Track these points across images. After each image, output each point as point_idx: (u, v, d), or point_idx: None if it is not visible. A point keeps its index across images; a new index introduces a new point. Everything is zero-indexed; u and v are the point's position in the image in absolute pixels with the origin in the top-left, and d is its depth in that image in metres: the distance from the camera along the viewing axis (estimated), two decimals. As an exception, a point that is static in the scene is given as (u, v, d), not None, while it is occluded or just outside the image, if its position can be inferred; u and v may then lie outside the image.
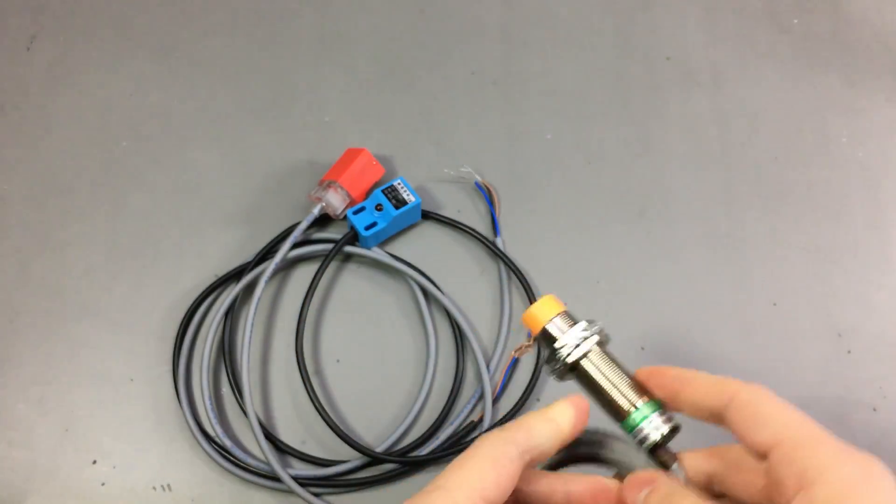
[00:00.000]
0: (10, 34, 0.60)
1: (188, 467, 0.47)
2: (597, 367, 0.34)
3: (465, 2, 0.61)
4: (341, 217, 0.51)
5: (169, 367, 0.50)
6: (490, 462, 0.28)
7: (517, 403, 0.49)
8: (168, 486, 0.47)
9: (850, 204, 0.55)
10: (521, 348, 0.51)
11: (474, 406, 0.49)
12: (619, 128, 0.57)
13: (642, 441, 0.33)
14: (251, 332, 0.48)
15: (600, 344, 0.35)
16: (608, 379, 0.34)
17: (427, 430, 0.48)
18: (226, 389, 0.49)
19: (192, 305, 0.51)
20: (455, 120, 0.57)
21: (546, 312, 0.37)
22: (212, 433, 0.47)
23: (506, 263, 0.52)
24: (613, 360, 0.34)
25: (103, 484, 0.47)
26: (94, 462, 0.48)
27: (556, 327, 0.36)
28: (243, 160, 0.56)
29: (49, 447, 0.48)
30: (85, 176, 0.55)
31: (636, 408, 0.33)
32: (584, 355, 0.34)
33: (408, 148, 0.56)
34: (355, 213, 0.49)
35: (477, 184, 0.54)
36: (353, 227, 0.49)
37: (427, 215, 0.53)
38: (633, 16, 0.61)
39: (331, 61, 0.59)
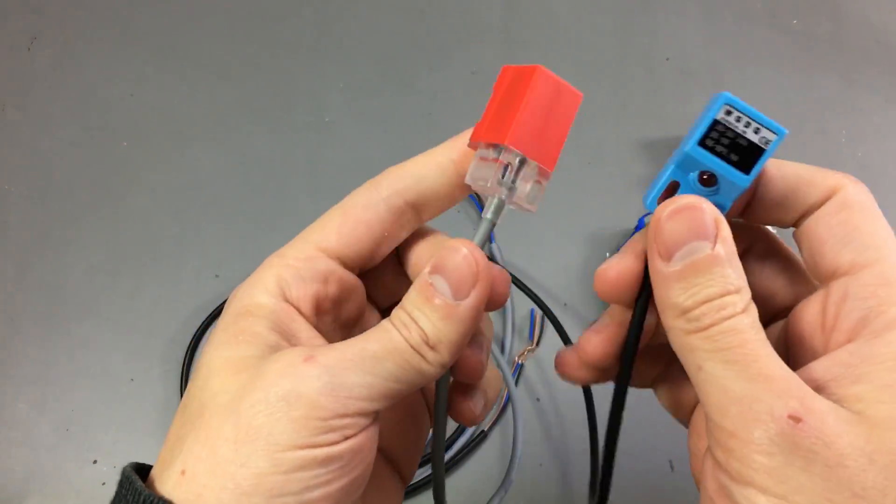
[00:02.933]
0: (10, 35, 0.60)
1: (188, 467, 0.47)
2: None
3: (465, 2, 0.61)
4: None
5: (169, 366, 0.50)
6: (338, 211, 0.24)
7: (517, 403, 0.49)
8: (168, 485, 0.47)
9: (849, 204, 0.55)
10: (523, 353, 0.51)
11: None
12: (619, 128, 0.57)
13: None
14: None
15: None
16: None
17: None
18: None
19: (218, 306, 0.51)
20: (455, 120, 0.57)
21: None
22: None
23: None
24: None
25: (104, 484, 0.47)
26: (95, 462, 0.48)
27: None
28: (243, 160, 0.56)
29: (49, 447, 0.48)
30: (85, 176, 0.56)
31: None
32: None
33: (408, 148, 0.56)
34: (662, 197, 0.24)
35: None
36: None
37: None
38: (632, 16, 0.61)
39: (331, 61, 0.59)
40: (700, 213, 0.22)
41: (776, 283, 0.25)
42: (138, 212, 0.54)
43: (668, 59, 0.59)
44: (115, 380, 0.50)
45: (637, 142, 0.57)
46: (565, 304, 0.52)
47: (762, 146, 0.23)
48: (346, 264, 0.25)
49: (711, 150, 0.23)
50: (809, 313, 0.23)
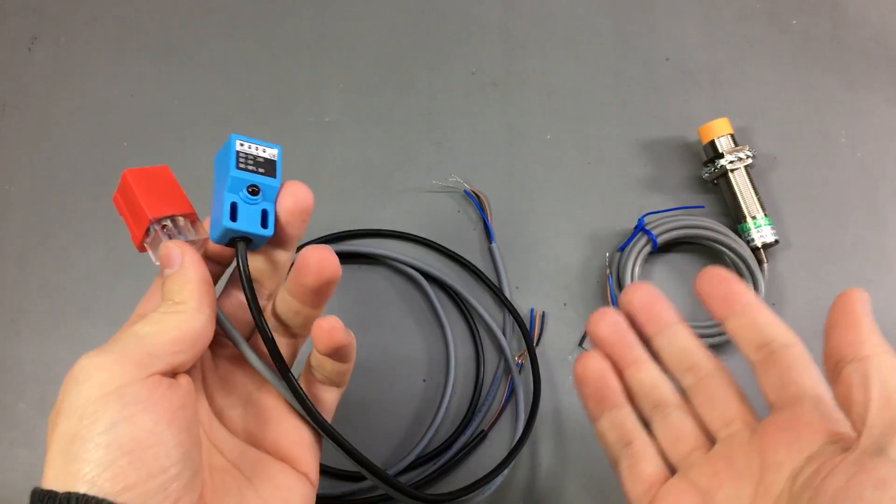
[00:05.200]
0: (11, 35, 0.60)
1: (189, 467, 0.47)
2: (740, 180, 0.52)
3: (465, 2, 0.61)
4: (204, 241, 0.33)
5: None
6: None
7: (532, 406, 0.49)
8: (169, 485, 0.47)
9: (848, 204, 0.55)
10: (522, 354, 0.51)
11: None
12: (619, 128, 0.57)
13: (748, 241, 0.51)
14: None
15: (748, 167, 0.52)
16: (743, 191, 0.52)
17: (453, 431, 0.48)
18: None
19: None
20: (455, 120, 0.57)
21: (718, 130, 0.53)
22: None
23: (510, 312, 0.51)
24: (752, 181, 0.52)
25: None
26: (95, 461, 0.48)
27: (722, 143, 0.53)
28: (244, 160, 0.56)
29: (50, 447, 0.48)
30: (86, 176, 0.56)
31: (754, 217, 0.51)
32: (735, 169, 0.52)
33: (408, 148, 0.56)
34: (233, 217, 0.30)
35: (466, 192, 0.55)
36: (235, 239, 0.31)
37: (428, 244, 0.53)
38: (632, 16, 0.61)
39: (331, 61, 0.59)
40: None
41: None
42: (138, 212, 0.54)
43: (667, 59, 0.59)
44: (115, 380, 0.50)
45: (637, 142, 0.57)
46: (565, 304, 0.52)
47: (273, 159, 0.31)
48: None
49: (245, 169, 0.30)
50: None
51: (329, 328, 0.30)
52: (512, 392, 0.49)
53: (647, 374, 0.32)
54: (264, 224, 0.31)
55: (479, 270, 0.52)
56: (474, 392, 0.49)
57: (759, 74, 0.59)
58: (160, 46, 0.60)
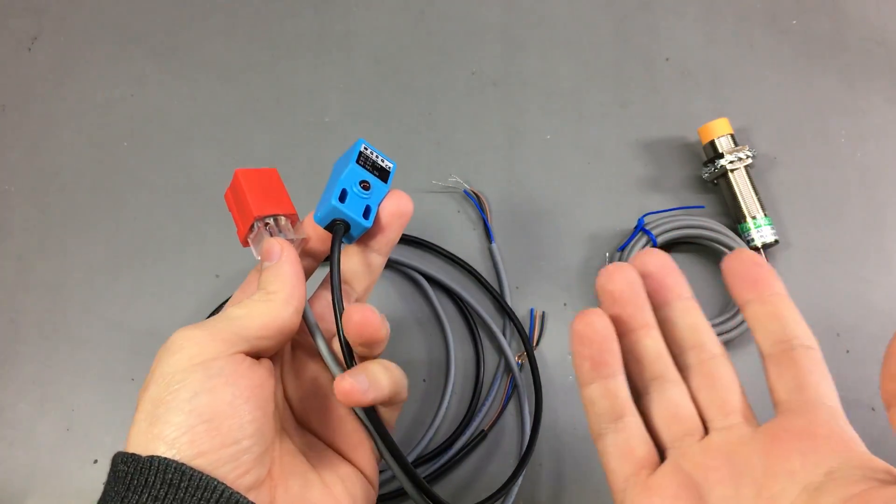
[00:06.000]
0: (11, 35, 0.60)
1: (189, 467, 0.47)
2: (740, 180, 0.52)
3: (465, 2, 0.61)
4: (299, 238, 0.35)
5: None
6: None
7: (537, 406, 0.49)
8: (169, 485, 0.47)
9: (848, 204, 0.55)
10: (522, 354, 0.51)
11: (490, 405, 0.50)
12: (619, 128, 0.57)
13: (748, 241, 0.51)
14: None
15: (748, 167, 0.52)
16: (743, 191, 0.52)
17: (455, 429, 0.48)
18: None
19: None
20: (455, 120, 0.57)
21: (718, 130, 0.53)
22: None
23: (510, 317, 0.51)
24: (752, 181, 0.52)
25: (105, 483, 0.47)
26: (96, 461, 0.48)
27: (722, 143, 0.53)
28: (243, 160, 0.56)
29: (50, 447, 0.48)
30: (86, 176, 0.56)
31: (754, 217, 0.51)
32: (735, 169, 0.52)
33: (408, 148, 0.56)
34: (341, 199, 0.33)
35: (466, 192, 0.55)
36: (336, 221, 0.33)
37: (429, 246, 0.53)
38: (632, 16, 0.61)
39: (331, 61, 0.59)
40: None
41: None
42: (138, 212, 0.54)
43: (667, 60, 0.59)
44: (115, 380, 0.50)
45: (637, 142, 0.57)
46: (565, 304, 0.52)
47: (388, 170, 0.35)
48: None
49: (363, 167, 0.33)
50: None
51: (360, 322, 0.30)
52: (512, 392, 0.49)
53: (653, 342, 0.29)
54: (366, 216, 0.33)
55: (481, 275, 0.52)
56: (474, 392, 0.49)
57: (759, 74, 0.59)
58: (160, 46, 0.60)
